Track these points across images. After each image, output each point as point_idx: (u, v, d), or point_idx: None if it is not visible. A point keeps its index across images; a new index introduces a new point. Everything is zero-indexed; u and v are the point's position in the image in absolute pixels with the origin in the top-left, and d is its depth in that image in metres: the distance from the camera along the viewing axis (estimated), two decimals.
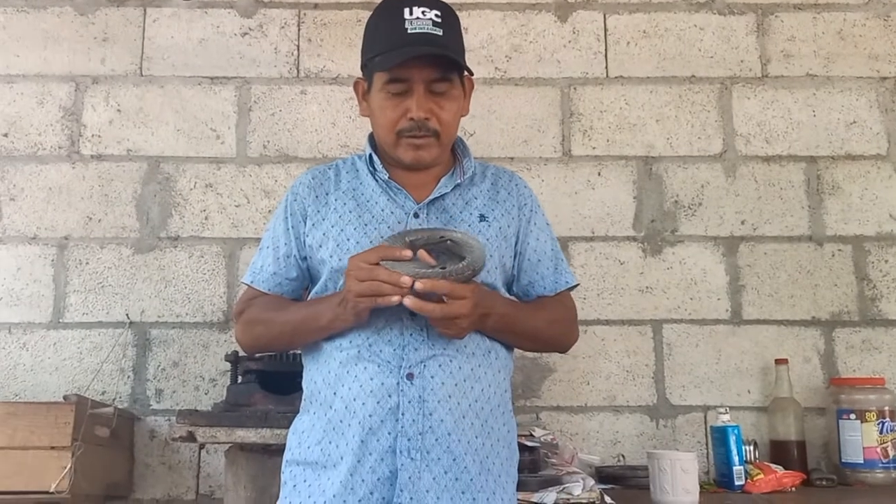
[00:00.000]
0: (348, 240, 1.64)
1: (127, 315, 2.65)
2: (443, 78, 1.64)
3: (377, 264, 1.49)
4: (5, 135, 2.75)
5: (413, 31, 1.61)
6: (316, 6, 2.84)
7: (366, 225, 1.66)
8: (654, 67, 2.82)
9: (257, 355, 2.18)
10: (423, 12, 1.62)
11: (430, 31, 1.62)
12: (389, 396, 1.53)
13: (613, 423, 2.63)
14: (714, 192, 2.75)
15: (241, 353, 2.26)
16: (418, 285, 1.45)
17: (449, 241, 1.55)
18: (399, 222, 1.66)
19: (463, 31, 1.74)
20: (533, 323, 1.71)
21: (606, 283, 2.69)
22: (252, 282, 1.77)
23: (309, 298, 1.74)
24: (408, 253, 1.50)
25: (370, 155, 1.74)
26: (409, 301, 1.46)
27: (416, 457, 1.51)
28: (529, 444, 2.22)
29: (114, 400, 2.56)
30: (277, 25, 2.83)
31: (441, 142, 1.68)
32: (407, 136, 1.65)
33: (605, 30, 2.84)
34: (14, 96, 2.77)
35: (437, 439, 1.52)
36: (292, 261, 1.74)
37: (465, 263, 1.49)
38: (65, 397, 2.25)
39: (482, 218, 1.70)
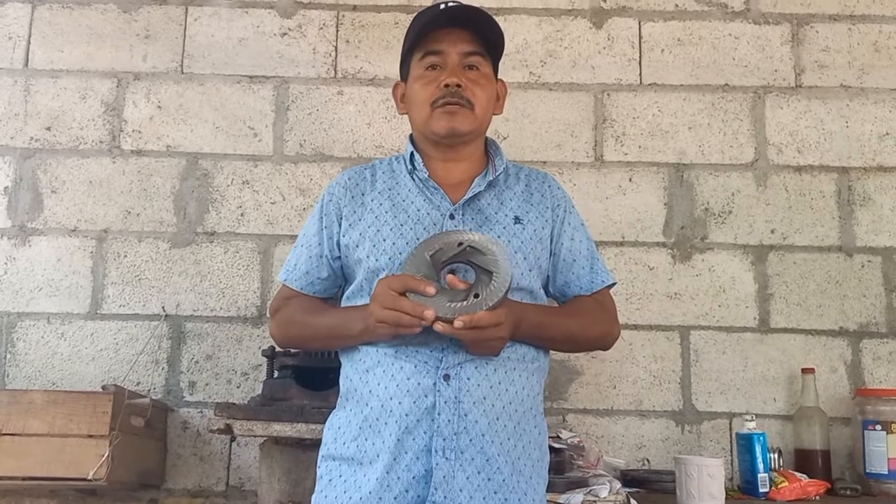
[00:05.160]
0: (384, 240, 1.67)
1: (163, 308, 2.70)
2: (475, 52, 1.72)
3: (404, 294, 1.51)
4: (48, 128, 2.81)
5: (445, 6, 1.71)
6: (354, 8, 2.88)
7: (402, 225, 1.68)
8: (687, 75, 2.84)
9: (293, 351, 2.23)
10: None
11: (462, 3, 1.72)
12: (426, 396, 1.55)
13: (639, 427, 2.65)
14: (744, 200, 2.76)
15: (278, 349, 2.30)
16: (457, 324, 1.47)
17: (468, 247, 1.55)
18: (434, 224, 1.68)
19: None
20: (566, 327, 1.72)
21: (635, 289, 2.71)
22: (286, 280, 1.81)
23: (344, 298, 1.77)
24: (431, 290, 1.50)
25: (411, 153, 1.76)
26: (439, 326, 1.49)
27: (450, 456, 1.53)
28: (556, 445, 2.24)
29: (148, 391, 2.62)
30: (316, 26, 2.87)
31: (475, 115, 1.72)
32: (441, 104, 1.69)
33: (640, 37, 2.86)
34: (57, 91, 2.83)
35: (471, 440, 1.55)
36: (324, 261, 1.77)
37: (496, 285, 1.50)
38: (103, 387, 2.30)
39: (517, 220, 1.72)
